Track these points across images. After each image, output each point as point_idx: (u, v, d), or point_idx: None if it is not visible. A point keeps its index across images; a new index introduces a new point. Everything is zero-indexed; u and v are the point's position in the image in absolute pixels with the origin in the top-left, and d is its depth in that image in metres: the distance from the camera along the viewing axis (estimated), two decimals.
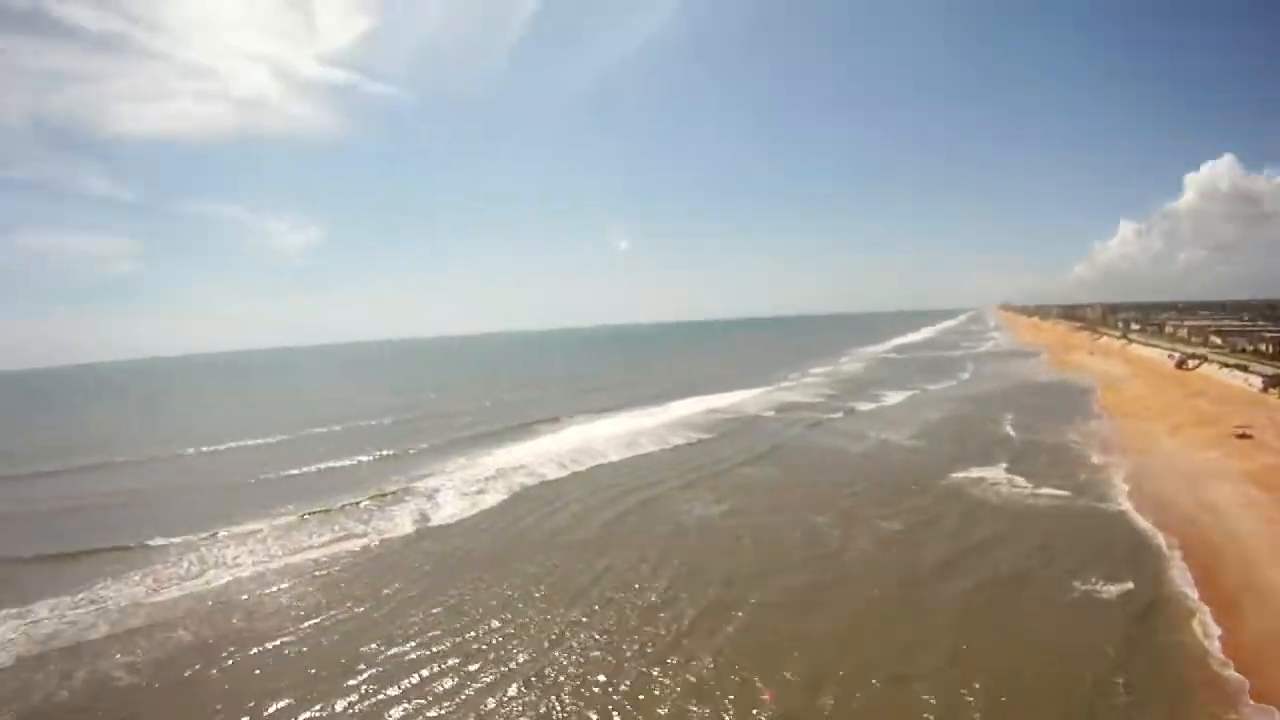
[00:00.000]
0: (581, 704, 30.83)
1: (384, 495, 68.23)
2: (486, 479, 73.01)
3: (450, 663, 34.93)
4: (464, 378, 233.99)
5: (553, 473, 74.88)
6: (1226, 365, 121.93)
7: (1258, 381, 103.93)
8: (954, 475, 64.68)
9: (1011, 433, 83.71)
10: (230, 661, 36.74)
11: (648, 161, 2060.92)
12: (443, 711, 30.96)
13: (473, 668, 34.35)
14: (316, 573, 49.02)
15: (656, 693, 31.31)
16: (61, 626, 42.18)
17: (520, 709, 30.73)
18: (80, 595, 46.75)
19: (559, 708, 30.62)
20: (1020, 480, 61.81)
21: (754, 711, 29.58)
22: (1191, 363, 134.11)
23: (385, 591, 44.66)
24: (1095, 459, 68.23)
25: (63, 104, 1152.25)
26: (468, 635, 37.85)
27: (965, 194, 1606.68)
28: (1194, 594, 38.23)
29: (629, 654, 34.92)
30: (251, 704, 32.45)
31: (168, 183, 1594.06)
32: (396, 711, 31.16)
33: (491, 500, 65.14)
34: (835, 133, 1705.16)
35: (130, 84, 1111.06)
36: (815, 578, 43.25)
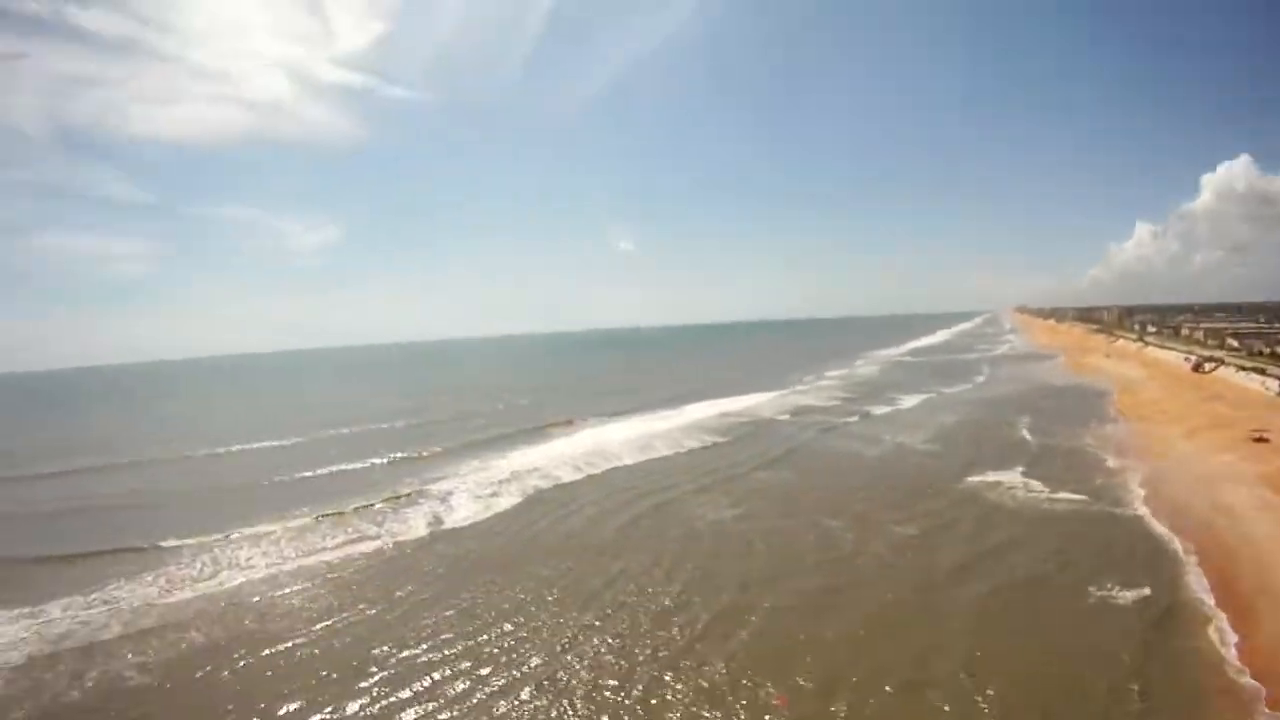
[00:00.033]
0: (594, 708, 30.70)
1: (398, 498, 68.34)
2: (500, 482, 73.02)
3: (462, 666, 34.87)
4: (475, 380, 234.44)
5: (567, 476, 74.82)
6: (1243, 368, 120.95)
7: (1275, 385, 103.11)
8: (969, 479, 64.26)
9: (1027, 436, 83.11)
10: (242, 663, 36.79)
11: (656, 162, 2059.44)
12: (454, 715, 30.88)
13: (485, 671, 34.27)
14: (329, 575, 49.07)
15: (669, 698, 31.14)
16: (74, 626, 42.39)
17: (532, 713, 30.61)
18: (93, 595, 47.00)
19: (571, 712, 30.49)
20: (1036, 484, 61.33)
21: (767, 718, 29.39)
22: (1208, 366, 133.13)
23: (398, 594, 44.66)
24: (1111, 463, 67.70)
25: (80, 108, 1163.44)
26: (480, 638, 37.79)
27: (981, 197, 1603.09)
28: (1210, 600, 37.82)
29: (642, 658, 34.76)
30: (263, 705, 32.49)
31: (184, 185, 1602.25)
32: (408, 714, 31.11)
33: (505, 503, 65.10)
34: (848, 134, 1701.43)
35: (147, 88, 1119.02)
36: (829, 582, 43.00)
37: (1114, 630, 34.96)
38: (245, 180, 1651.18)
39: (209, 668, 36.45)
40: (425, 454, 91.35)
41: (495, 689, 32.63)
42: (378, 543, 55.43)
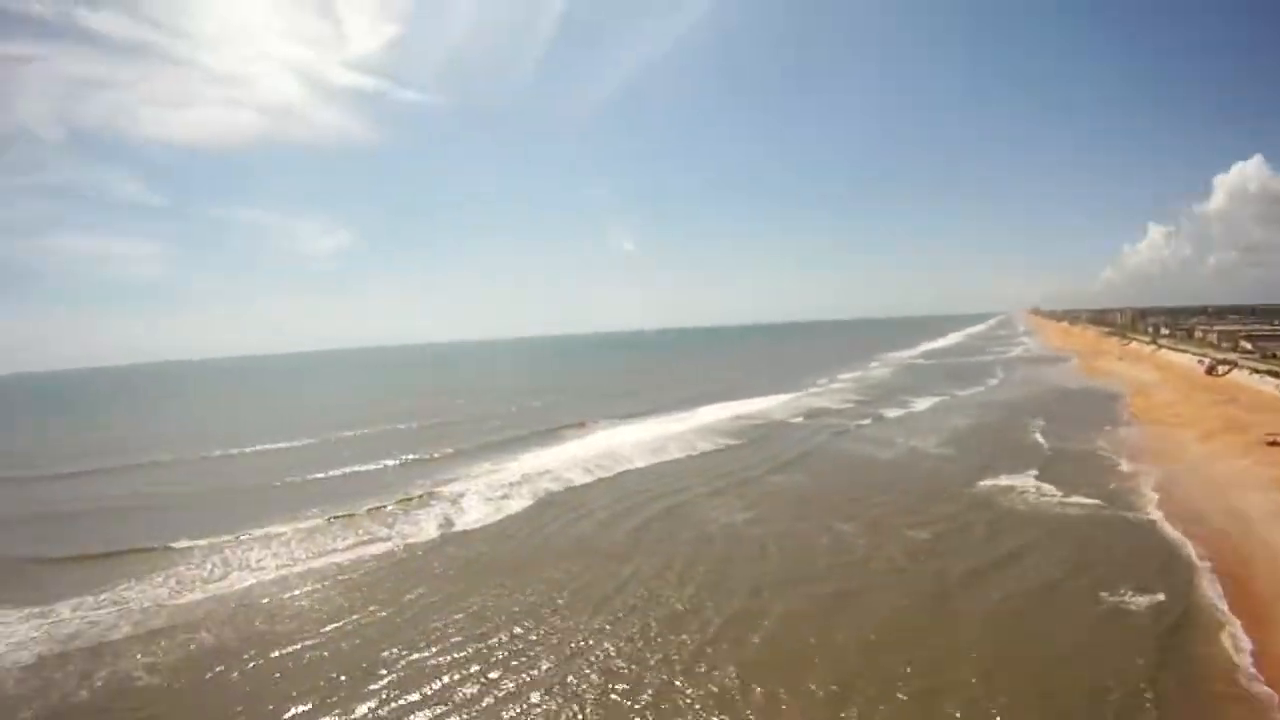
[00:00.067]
0: (603, 713, 30.55)
1: (409, 500, 68.34)
2: (512, 484, 72.97)
3: (472, 669, 34.74)
4: (487, 382, 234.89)
5: (579, 478, 74.72)
6: (1257, 371, 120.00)
7: None
8: (982, 483, 63.87)
9: (1041, 440, 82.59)
10: (251, 664, 36.77)
11: (667, 163, 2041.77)
12: (464, 718, 30.80)
13: (494, 675, 34.14)
14: (340, 576, 49.05)
15: (680, 703, 30.94)
16: (83, 626, 42.42)
17: (542, 717, 30.49)
18: (103, 596, 47.08)
19: (582, 717, 30.36)
20: (1049, 488, 60.90)
21: None
22: (1222, 369, 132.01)
23: (408, 597, 44.60)
24: (1125, 467, 67.21)
25: (91, 110, 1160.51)
26: (490, 642, 37.66)
27: (993, 199, 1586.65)
28: (1224, 606, 37.30)
29: (652, 663, 34.56)
30: (272, 707, 32.46)
31: (196, 188, 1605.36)
32: (417, 717, 31.02)
33: (516, 506, 65.03)
34: (860, 134, 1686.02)
35: (159, 90, 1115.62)
36: (841, 586, 42.74)
37: (1127, 636, 34.59)
38: (258, 183, 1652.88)
39: (218, 669, 36.44)
40: (437, 455, 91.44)
41: (505, 693, 32.49)
42: (388, 545, 55.43)
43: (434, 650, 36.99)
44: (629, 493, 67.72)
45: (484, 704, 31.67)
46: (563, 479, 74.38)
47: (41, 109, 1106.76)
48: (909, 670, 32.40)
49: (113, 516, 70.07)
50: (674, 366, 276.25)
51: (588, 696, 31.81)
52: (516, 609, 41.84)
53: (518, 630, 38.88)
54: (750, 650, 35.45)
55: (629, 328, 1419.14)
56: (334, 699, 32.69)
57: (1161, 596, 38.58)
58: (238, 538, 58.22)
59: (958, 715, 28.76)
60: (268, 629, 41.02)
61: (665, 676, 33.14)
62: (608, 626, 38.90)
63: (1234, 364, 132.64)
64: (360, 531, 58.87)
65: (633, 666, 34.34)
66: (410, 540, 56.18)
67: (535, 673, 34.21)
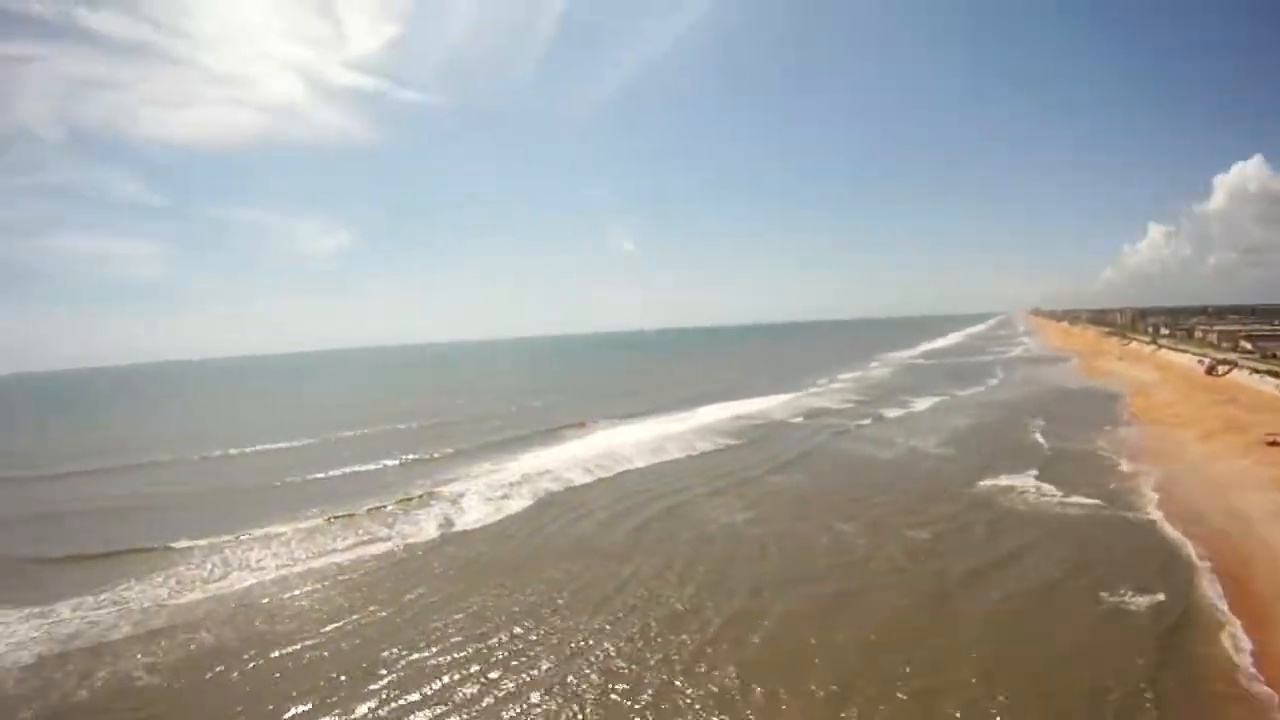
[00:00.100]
0: (603, 713, 30.54)
1: (409, 500, 68.34)
2: (512, 484, 72.96)
3: (471, 669, 34.73)
4: (487, 382, 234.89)
5: (578, 478, 74.69)
6: (1257, 371, 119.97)
7: None
8: (982, 483, 63.85)
9: (1041, 440, 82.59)
10: (251, 664, 36.76)
11: (667, 163, 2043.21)
12: (464, 718, 30.79)
13: (494, 675, 34.13)
14: (339, 576, 49.04)
15: (680, 703, 30.93)
16: (83, 626, 42.42)
17: (542, 717, 30.49)
18: (103, 596, 47.07)
19: (581, 717, 30.35)
20: (1049, 488, 60.89)
21: None
22: (1222, 369, 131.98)
23: (408, 597, 44.59)
24: (1125, 467, 67.20)
25: (91, 110, 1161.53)
26: (490, 642, 37.65)
27: (993, 199, 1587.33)
28: (1224, 606, 37.29)
29: (652, 663, 34.55)
30: (271, 706, 32.46)
31: (197, 188, 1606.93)
32: (417, 717, 31.01)
33: (516, 506, 65.02)
34: (860, 134, 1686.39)
35: (159, 90, 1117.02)
36: (841, 586, 42.72)
37: (1127, 636, 34.59)
38: (258, 183, 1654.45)
39: (218, 669, 36.43)
40: (437, 455, 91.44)
41: (505, 693, 32.49)
42: (388, 545, 55.42)
43: (434, 650, 36.98)
44: (629, 493, 67.69)
45: (484, 704, 31.66)
46: (563, 479, 74.38)
47: (41, 109, 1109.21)
48: (909, 670, 32.41)
49: (113, 516, 70.05)
50: (674, 366, 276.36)
51: (588, 696, 31.81)
52: (516, 609, 41.84)
53: (518, 630, 38.88)
54: (750, 650, 35.45)
55: (629, 328, 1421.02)
56: (334, 699, 32.68)
57: (1161, 596, 38.58)
58: (238, 538, 58.21)
59: (958, 715, 28.76)
60: (268, 629, 41.01)
61: (665, 676, 33.14)
62: (608, 626, 38.90)
63: (1234, 364, 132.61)
64: (360, 531, 58.85)
65: (633, 666, 34.34)
66: (410, 540, 56.17)
67: (535, 673, 34.20)
